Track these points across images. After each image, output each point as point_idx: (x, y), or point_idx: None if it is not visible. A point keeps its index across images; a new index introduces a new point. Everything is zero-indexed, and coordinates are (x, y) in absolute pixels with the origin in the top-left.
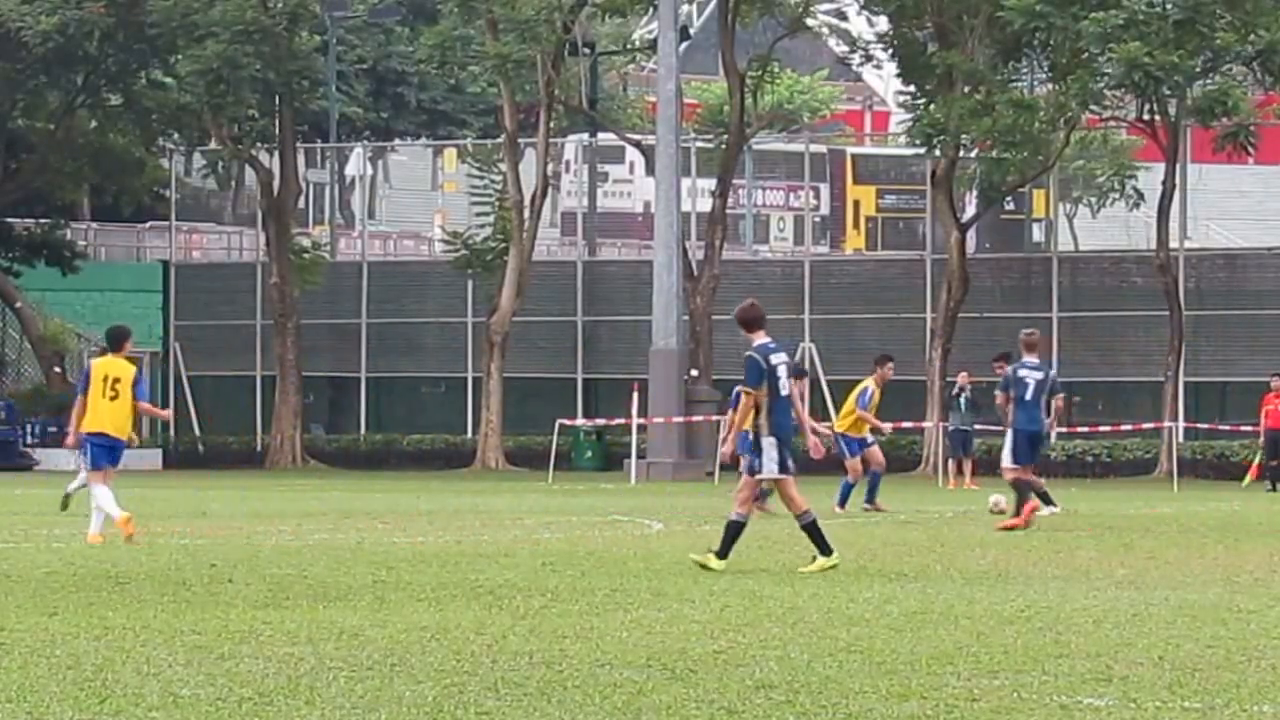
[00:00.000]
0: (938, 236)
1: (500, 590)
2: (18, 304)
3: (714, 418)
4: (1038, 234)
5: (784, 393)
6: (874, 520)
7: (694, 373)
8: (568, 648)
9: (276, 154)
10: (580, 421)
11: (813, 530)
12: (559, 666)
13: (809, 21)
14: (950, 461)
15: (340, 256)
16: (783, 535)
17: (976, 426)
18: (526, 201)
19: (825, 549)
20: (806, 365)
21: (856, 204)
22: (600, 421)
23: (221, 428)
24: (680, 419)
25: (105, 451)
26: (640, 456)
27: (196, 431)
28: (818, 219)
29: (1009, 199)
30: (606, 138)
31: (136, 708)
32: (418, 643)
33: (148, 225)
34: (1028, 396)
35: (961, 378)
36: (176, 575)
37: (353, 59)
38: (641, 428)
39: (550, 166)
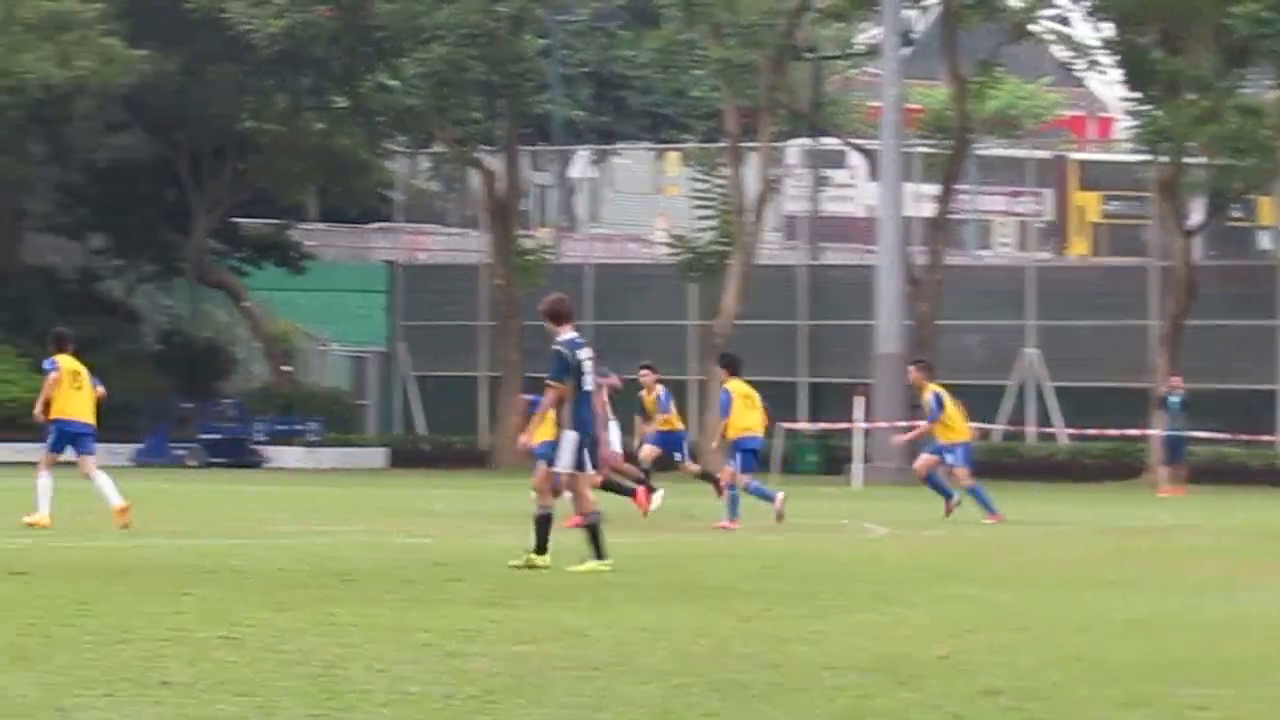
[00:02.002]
0: (1162, 243)
1: (723, 592)
2: (246, 303)
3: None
4: (1265, 241)
5: (587, 388)
6: (1098, 529)
7: None
8: (792, 651)
9: (500, 156)
10: (803, 425)
11: (594, 532)
12: (783, 669)
13: (1032, 28)
14: (1162, 468)
15: (563, 259)
16: (1006, 541)
17: (1192, 433)
18: (749, 205)
19: (601, 553)
20: (1031, 371)
21: (1080, 210)
22: (823, 425)
23: (445, 427)
24: (905, 424)
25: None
26: (865, 461)
27: (421, 431)
28: (1041, 225)
29: (1235, 205)
30: (829, 142)
31: (365, 703)
32: (641, 643)
33: (374, 226)
34: None
35: (1172, 381)
36: (404, 573)
37: (576, 62)
38: (866, 432)
39: (772, 171)
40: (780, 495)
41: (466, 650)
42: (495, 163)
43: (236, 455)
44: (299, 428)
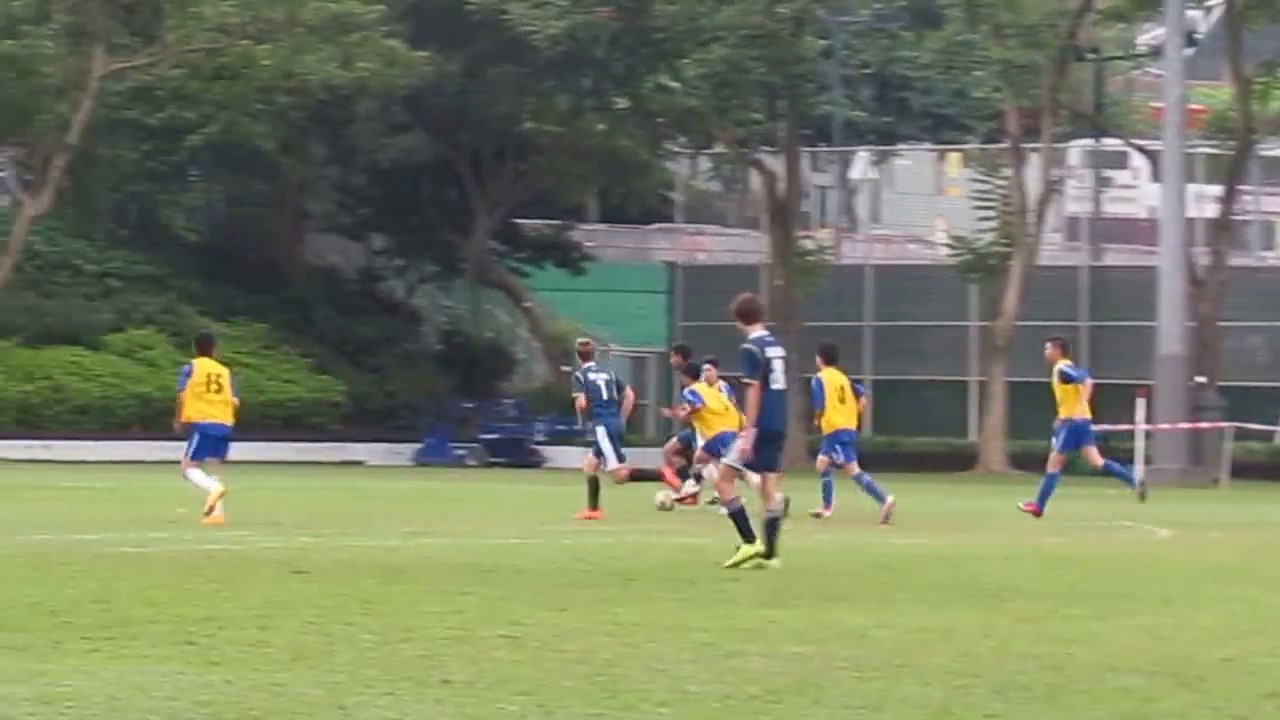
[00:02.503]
0: None
1: (1003, 593)
2: (527, 304)
3: (1221, 425)
4: None
5: (775, 386)
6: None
7: (1201, 379)
8: (1074, 652)
9: (780, 157)
10: None
11: (740, 519)
12: (1065, 671)
13: None
14: None
15: (843, 260)
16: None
17: None
18: (1030, 206)
19: (749, 536)
20: None
21: None
22: (1105, 427)
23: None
24: (1187, 425)
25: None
26: (1146, 463)
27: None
28: None
29: None
30: (1111, 143)
31: (645, 702)
32: (922, 644)
33: (654, 227)
34: None
35: None
36: (683, 573)
37: (857, 63)
38: (1147, 434)
39: (1054, 171)
40: (890, 499)
41: (745, 650)
42: (775, 164)
43: (517, 455)
44: (579, 428)
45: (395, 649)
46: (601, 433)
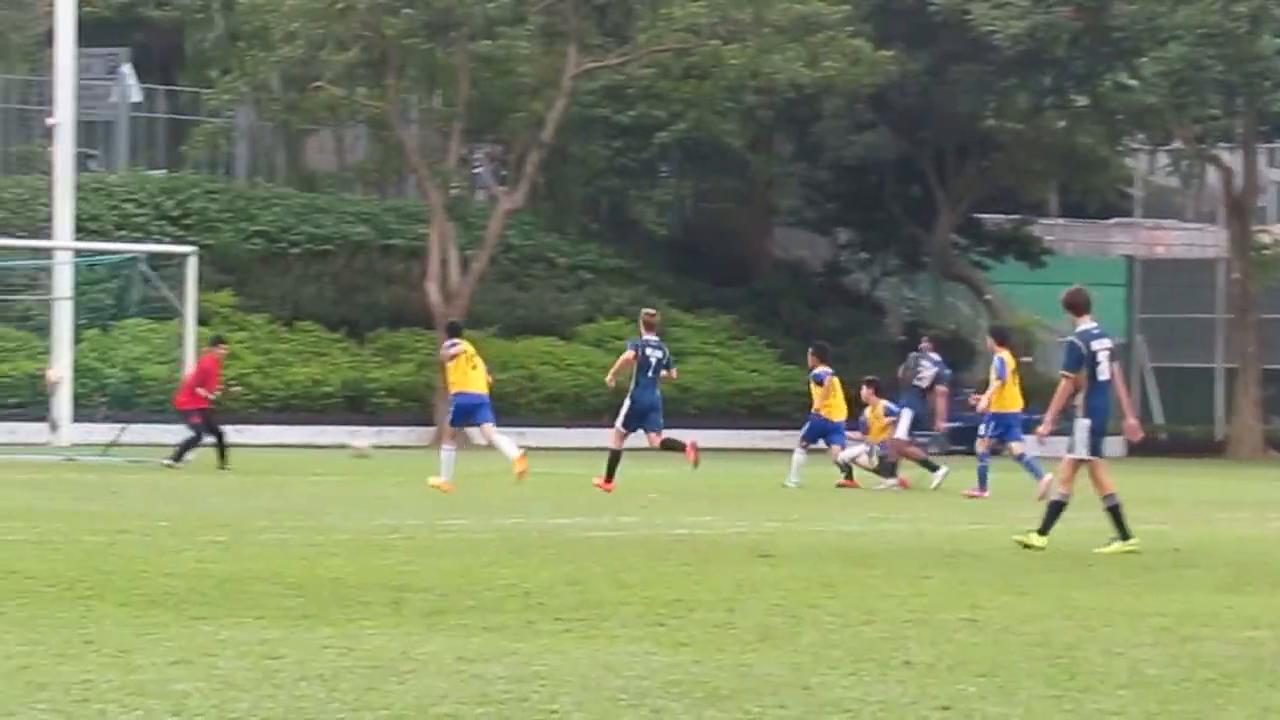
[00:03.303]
0: None
1: None
2: (988, 296)
3: None
4: None
5: (1102, 377)
6: None
7: None
8: None
9: (1237, 153)
10: None
11: (1115, 514)
12: None
13: None
14: None
15: None
16: None
17: None
18: None
19: (1125, 534)
20: None
21: None
22: None
23: (1181, 417)
24: None
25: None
26: None
27: (1158, 420)
28: None
29: None
30: None
31: (1103, 685)
32: None
33: (1112, 222)
34: None
35: None
36: (1141, 559)
37: None
38: None
39: None
40: (1047, 476)
41: (1201, 634)
42: (1233, 159)
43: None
44: (1035, 417)
45: (858, 631)
46: (628, 403)
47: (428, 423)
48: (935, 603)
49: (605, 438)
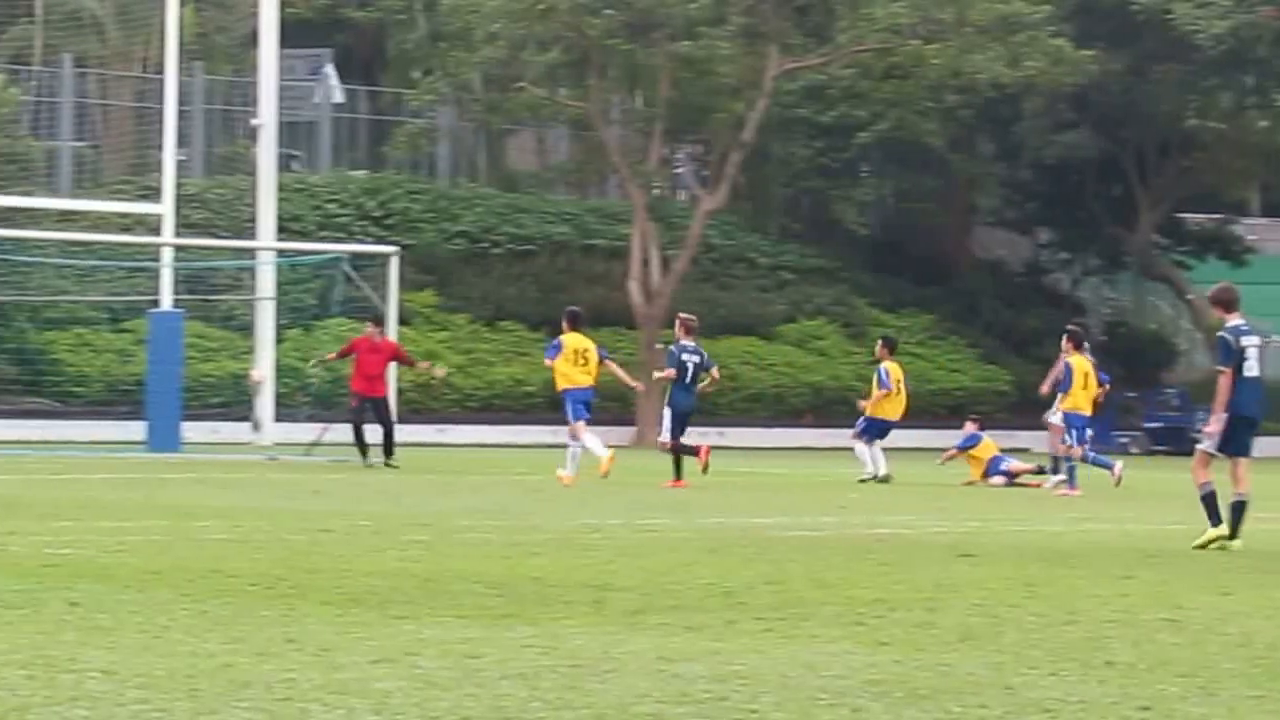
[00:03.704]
0: None
1: None
2: (1190, 296)
3: None
4: None
5: (1249, 373)
6: None
7: None
8: None
9: None
10: None
11: (1208, 502)
12: None
13: None
14: None
15: None
16: None
17: None
18: None
19: (1216, 519)
20: None
21: None
22: None
23: None
24: None
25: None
26: None
27: None
28: None
29: None
30: None
31: None
32: None
33: None
34: None
35: None
36: None
37: None
38: None
39: None
40: (1119, 465)
41: None
42: None
43: (1178, 443)
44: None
45: (1059, 631)
46: (668, 410)
47: (628, 422)
48: (1137, 603)
49: (807, 437)
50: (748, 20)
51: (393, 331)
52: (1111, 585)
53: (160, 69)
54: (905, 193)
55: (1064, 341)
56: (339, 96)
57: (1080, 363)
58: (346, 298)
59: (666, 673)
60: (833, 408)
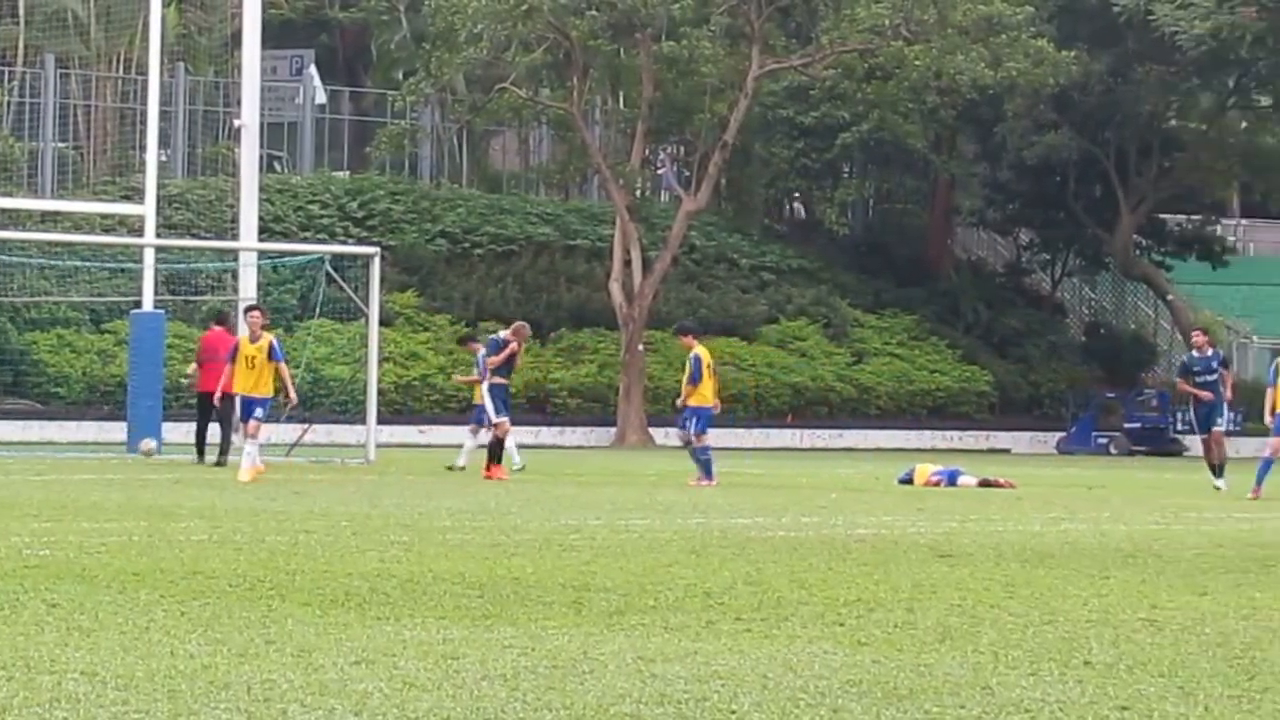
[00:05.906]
0: None
1: None
2: (1169, 296)
3: None
4: None
5: None
6: None
7: None
8: None
9: None
10: None
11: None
12: None
13: None
14: None
15: None
16: None
17: None
18: None
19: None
20: None
21: None
22: None
23: None
24: None
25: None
26: None
27: None
28: None
29: None
30: None
31: None
32: None
33: None
34: None
35: None
36: None
37: None
38: None
39: None
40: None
41: None
42: None
43: (1158, 444)
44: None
45: (1038, 631)
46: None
47: (609, 423)
48: (1115, 603)
49: (788, 438)
50: (730, 21)
51: (374, 332)
52: (1090, 585)
53: (143, 70)
54: (887, 193)
55: (686, 338)
56: (322, 97)
57: (706, 354)
58: (328, 299)
59: (646, 673)
60: (810, 409)
